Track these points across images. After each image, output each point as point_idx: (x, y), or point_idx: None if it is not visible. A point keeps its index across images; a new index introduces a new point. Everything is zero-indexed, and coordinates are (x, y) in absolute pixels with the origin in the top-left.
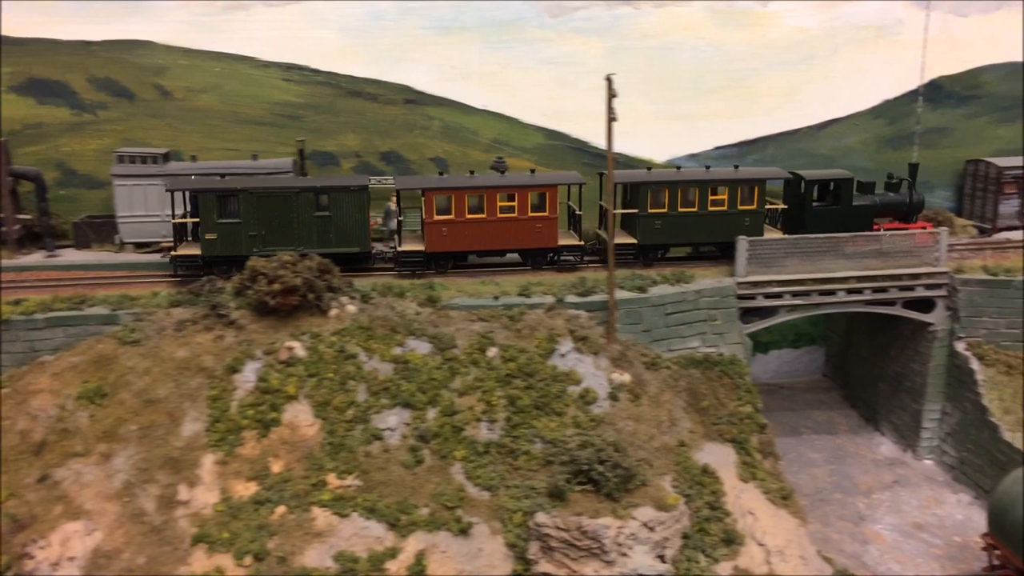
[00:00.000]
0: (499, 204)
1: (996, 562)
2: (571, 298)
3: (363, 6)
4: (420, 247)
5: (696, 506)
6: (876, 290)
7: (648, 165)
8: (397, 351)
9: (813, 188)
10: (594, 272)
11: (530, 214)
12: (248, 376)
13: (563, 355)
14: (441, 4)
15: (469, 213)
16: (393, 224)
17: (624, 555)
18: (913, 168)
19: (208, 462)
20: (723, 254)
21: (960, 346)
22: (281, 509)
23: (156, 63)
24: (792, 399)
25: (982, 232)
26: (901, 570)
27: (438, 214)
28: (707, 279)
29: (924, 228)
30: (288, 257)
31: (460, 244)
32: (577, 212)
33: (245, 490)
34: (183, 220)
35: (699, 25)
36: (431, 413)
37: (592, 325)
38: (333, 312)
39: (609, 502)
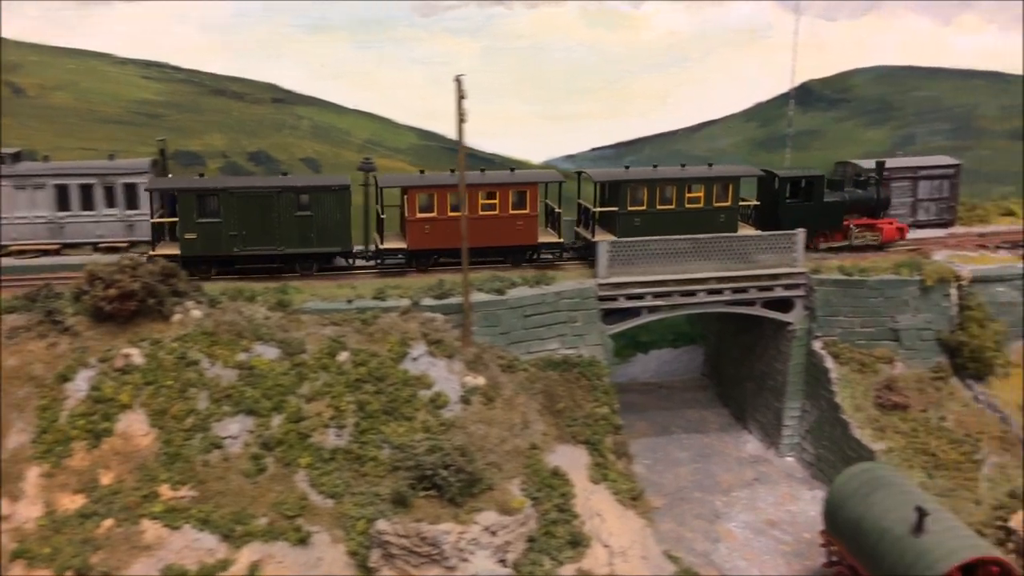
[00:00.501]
0: (481, 202)
1: (834, 558)
2: (428, 301)
3: (227, 3)
4: (402, 245)
5: (544, 509)
6: (736, 290)
7: (518, 166)
8: (242, 357)
9: (786, 185)
10: (535, 272)
11: (511, 211)
12: (80, 385)
13: (415, 359)
14: (308, 2)
15: (452, 211)
16: None
17: (465, 560)
18: (880, 165)
19: (33, 475)
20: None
21: (817, 345)
22: (108, 522)
23: (7, 60)
24: (669, 398)
25: None
26: (747, 567)
27: (420, 212)
28: (569, 281)
29: (891, 224)
30: (128, 260)
31: (443, 242)
32: (557, 210)
33: (71, 503)
34: (162, 220)
35: (572, 26)
36: (276, 420)
37: (448, 328)
38: (176, 317)
39: (452, 507)
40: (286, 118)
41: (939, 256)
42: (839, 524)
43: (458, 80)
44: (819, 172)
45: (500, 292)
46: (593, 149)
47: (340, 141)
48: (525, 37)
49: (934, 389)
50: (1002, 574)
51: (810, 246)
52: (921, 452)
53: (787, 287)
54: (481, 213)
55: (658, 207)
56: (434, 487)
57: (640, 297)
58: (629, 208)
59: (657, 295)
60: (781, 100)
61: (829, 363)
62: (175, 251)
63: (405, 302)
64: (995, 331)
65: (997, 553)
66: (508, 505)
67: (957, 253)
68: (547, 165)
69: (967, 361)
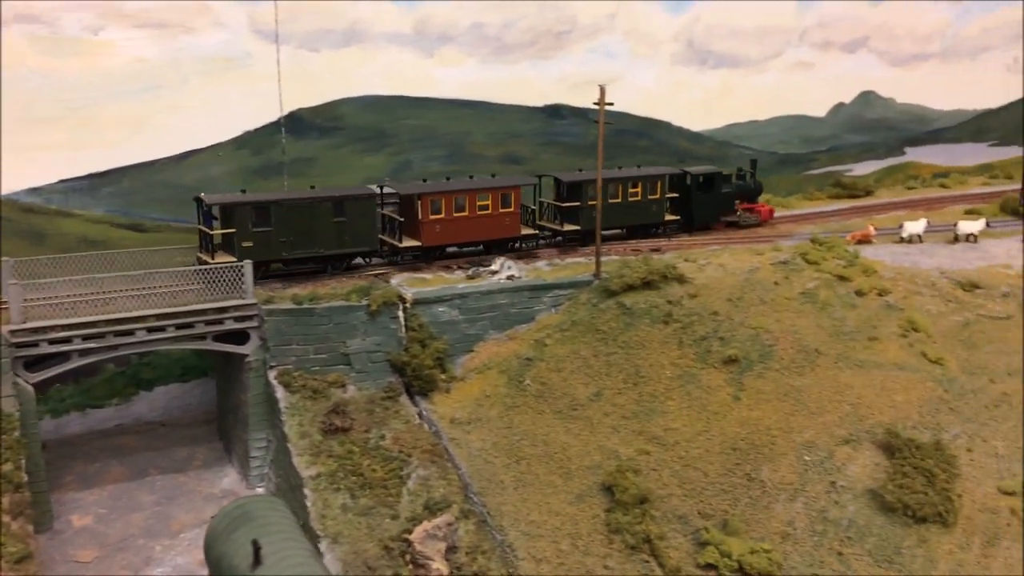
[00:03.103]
0: (478, 203)
1: None
2: None
3: None
4: (417, 243)
5: None
6: (182, 326)
7: None
8: None
9: (696, 181)
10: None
11: (500, 210)
12: None
13: None
14: None
15: (455, 212)
16: None
17: None
18: (753, 162)
19: None
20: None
21: (272, 374)
22: None
23: None
24: (165, 437)
25: None
26: None
27: (432, 214)
28: None
29: (764, 206)
30: None
31: (449, 238)
32: (531, 208)
33: None
34: (219, 232)
35: (18, 52)
36: None
37: None
38: None
39: None
40: None
41: (395, 280)
42: (211, 563)
43: None
44: (718, 169)
45: None
46: (61, 181)
47: None
48: None
49: (382, 409)
50: None
51: (712, 227)
52: (351, 473)
53: (238, 319)
54: (478, 213)
55: (609, 201)
56: None
57: (68, 340)
58: (589, 203)
59: (87, 337)
60: (272, 128)
61: (280, 392)
62: (232, 259)
63: None
64: (436, 349)
65: None
66: None
67: (414, 276)
68: (6, 201)
69: (412, 379)
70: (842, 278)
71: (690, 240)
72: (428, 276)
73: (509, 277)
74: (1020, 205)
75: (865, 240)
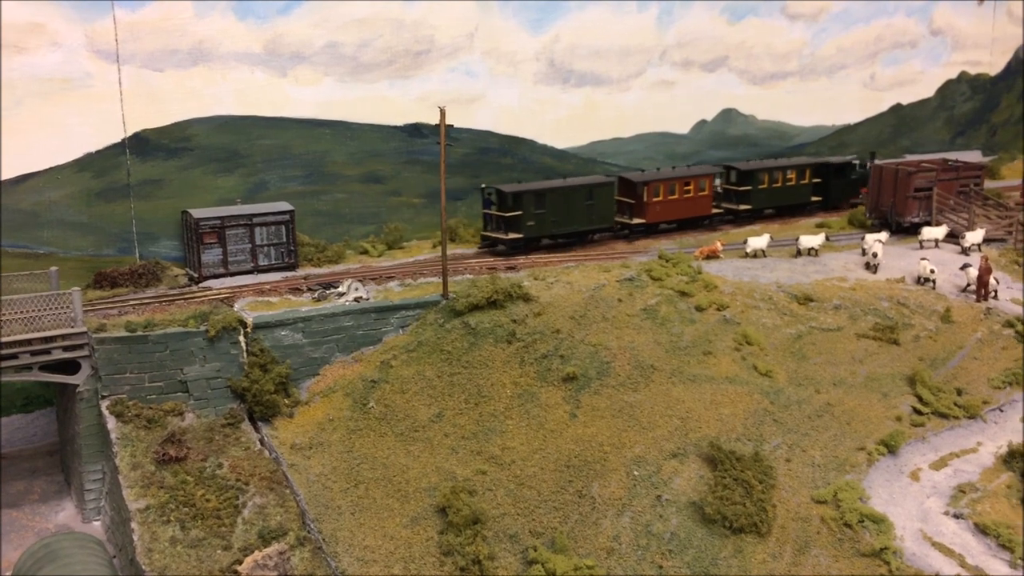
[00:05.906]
0: (682, 188)
1: None
2: None
3: None
4: (643, 220)
5: None
6: (3, 357)
7: None
8: None
9: (832, 169)
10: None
11: (698, 194)
12: None
13: None
14: None
15: (669, 195)
16: None
17: None
18: (872, 154)
19: None
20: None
21: (104, 404)
22: None
23: None
24: (3, 471)
25: (192, 280)
26: None
27: (653, 198)
28: None
29: None
30: None
31: (665, 216)
32: (718, 190)
33: None
34: (508, 214)
35: None
36: None
37: None
38: None
39: None
40: None
41: (240, 303)
42: None
43: None
44: (849, 159)
45: None
46: None
47: None
48: None
49: (222, 436)
50: None
51: (840, 207)
52: (183, 504)
53: (67, 348)
54: (683, 196)
55: (773, 185)
56: None
57: None
58: (759, 187)
59: None
60: (116, 150)
61: (111, 423)
62: (519, 235)
63: None
64: (278, 374)
65: None
66: None
67: (261, 300)
68: None
69: (253, 405)
70: (683, 294)
71: (545, 257)
72: (274, 300)
73: (357, 299)
74: (866, 218)
75: (713, 255)
